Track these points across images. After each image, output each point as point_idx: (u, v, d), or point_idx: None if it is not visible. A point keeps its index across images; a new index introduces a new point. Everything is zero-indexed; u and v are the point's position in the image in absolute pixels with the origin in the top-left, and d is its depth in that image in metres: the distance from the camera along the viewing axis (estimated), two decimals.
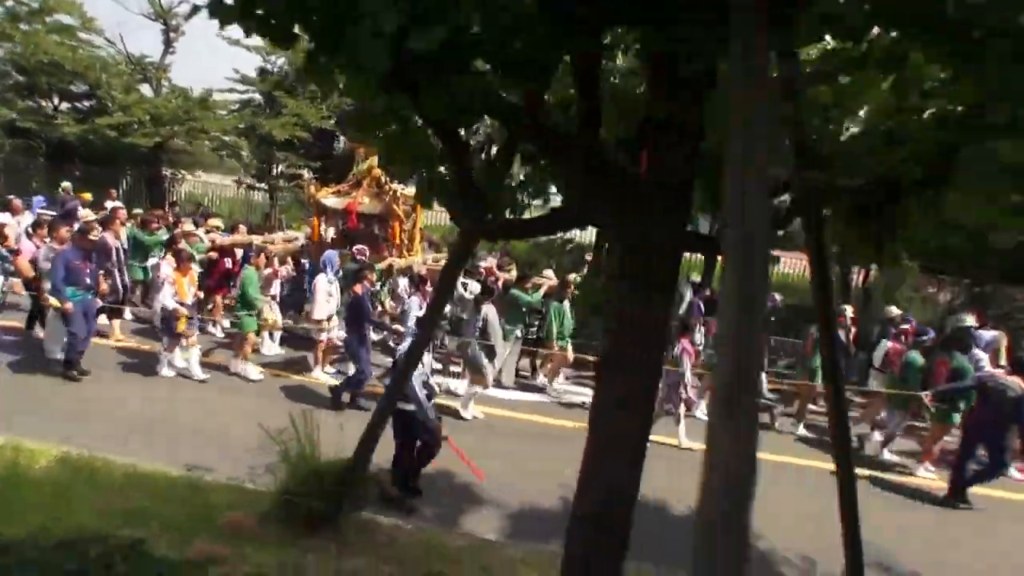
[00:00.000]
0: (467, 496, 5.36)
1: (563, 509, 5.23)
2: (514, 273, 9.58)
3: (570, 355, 8.36)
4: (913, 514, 6.18)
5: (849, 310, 9.21)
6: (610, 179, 2.53)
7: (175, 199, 18.27)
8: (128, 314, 9.35)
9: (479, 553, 4.32)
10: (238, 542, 3.83)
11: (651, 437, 7.03)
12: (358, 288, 7.27)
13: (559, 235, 16.33)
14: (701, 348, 8.16)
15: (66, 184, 13.20)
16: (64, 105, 18.41)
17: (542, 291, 8.50)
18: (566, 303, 8.30)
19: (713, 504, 1.46)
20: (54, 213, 9.77)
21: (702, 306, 9.77)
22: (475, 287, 8.59)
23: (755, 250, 1.53)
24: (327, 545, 3.98)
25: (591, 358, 9.46)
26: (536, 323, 8.74)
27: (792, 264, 18.82)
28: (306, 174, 17.00)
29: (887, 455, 7.43)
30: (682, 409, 6.99)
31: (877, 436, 7.72)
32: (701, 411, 8.10)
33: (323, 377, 7.87)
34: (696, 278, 11.21)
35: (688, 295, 10.38)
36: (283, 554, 3.79)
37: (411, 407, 4.88)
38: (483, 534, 4.79)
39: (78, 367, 7.05)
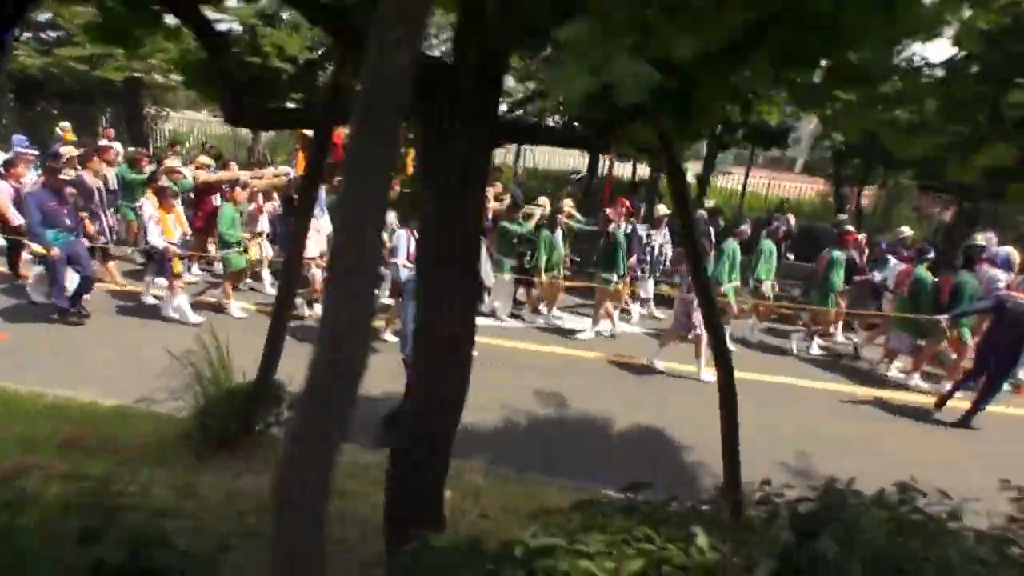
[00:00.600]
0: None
1: (500, 428, 5.37)
2: (507, 202, 9.33)
3: (561, 285, 8.20)
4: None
5: (851, 229, 9.12)
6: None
7: (175, 139, 17.58)
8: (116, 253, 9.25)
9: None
10: (132, 464, 3.66)
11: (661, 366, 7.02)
12: None
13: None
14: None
15: (65, 124, 12.65)
16: (26, 35, 17.33)
17: (533, 221, 8.29)
18: (557, 232, 8.11)
19: (320, 376, 1.43)
20: (36, 153, 9.39)
21: (712, 233, 9.57)
22: None
23: (388, 121, 1.40)
24: (236, 464, 3.96)
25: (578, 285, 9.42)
26: (529, 253, 8.57)
27: (796, 188, 18.49)
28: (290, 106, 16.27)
29: (916, 379, 7.38)
30: (704, 337, 6.91)
31: (898, 365, 7.71)
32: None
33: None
34: (711, 203, 10.97)
35: (701, 221, 10.20)
36: (164, 474, 3.61)
37: None
38: None
39: (80, 309, 6.99)
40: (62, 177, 7.03)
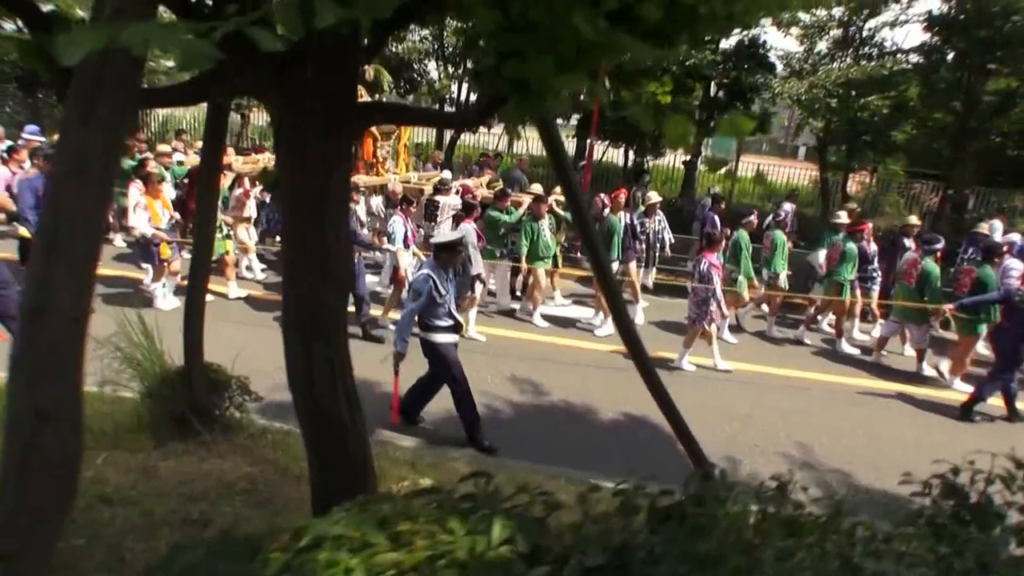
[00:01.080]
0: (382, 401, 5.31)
1: (486, 417, 5.11)
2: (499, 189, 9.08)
3: (542, 277, 7.78)
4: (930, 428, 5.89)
5: (844, 216, 8.66)
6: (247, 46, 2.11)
7: (179, 127, 17.18)
8: (119, 241, 9.13)
9: None
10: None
11: (690, 361, 6.81)
12: None
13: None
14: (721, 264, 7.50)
15: None
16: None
17: (522, 210, 7.95)
18: (543, 222, 7.71)
19: (20, 351, 1.40)
20: (42, 139, 9.22)
21: (717, 219, 9.25)
22: (453, 201, 8.18)
23: (91, 104, 1.31)
24: (199, 449, 3.82)
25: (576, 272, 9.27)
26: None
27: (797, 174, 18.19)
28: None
29: (927, 370, 7.13)
30: (714, 328, 6.72)
31: (883, 355, 7.40)
32: (727, 335, 7.75)
33: None
34: (717, 189, 10.58)
35: (707, 207, 9.78)
36: (127, 457, 3.60)
37: (448, 338, 4.69)
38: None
39: None
40: None
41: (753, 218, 8.23)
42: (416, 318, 4.73)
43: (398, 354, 4.68)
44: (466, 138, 17.12)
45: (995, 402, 6.18)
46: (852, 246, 7.63)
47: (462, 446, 4.70)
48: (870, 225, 8.33)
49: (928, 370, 7.14)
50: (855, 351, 7.74)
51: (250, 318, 7.15)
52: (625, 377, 6.34)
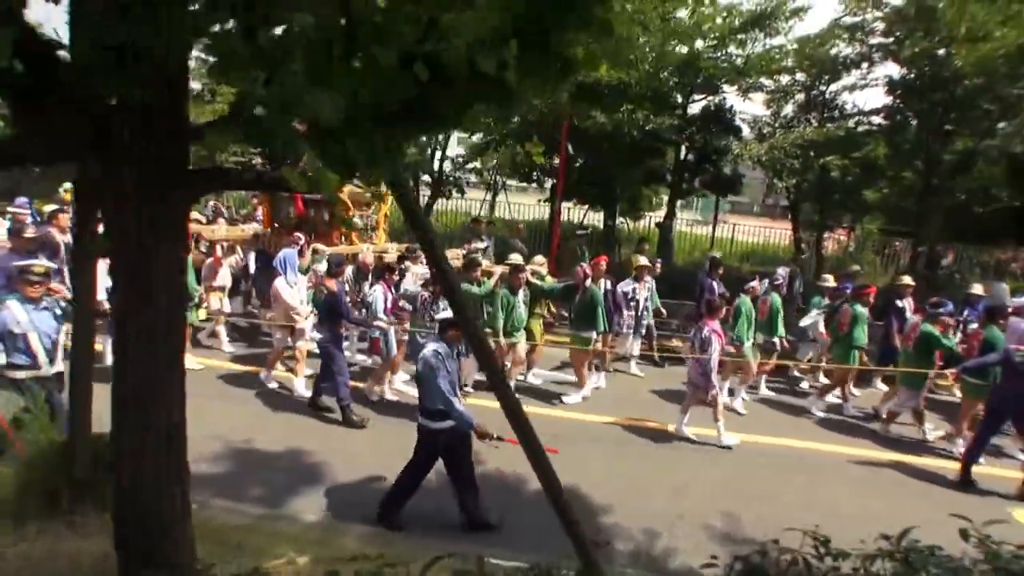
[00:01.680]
0: (298, 476, 5.10)
1: (373, 487, 4.90)
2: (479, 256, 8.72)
3: (520, 352, 7.40)
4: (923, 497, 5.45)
5: (831, 279, 8.63)
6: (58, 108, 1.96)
7: None
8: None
9: (250, 530, 3.84)
10: None
11: (688, 432, 6.46)
12: (332, 284, 6.39)
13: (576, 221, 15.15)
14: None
15: (67, 185, 12.45)
16: None
17: (493, 280, 7.50)
18: (520, 293, 7.31)
19: None
20: (27, 211, 9.11)
21: (715, 285, 8.92)
22: (421, 269, 7.95)
23: None
24: (59, 528, 3.48)
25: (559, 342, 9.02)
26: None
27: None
28: (256, 160, 15.73)
29: (891, 429, 6.88)
30: (721, 398, 6.38)
31: (929, 427, 6.94)
32: (738, 402, 7.48)
33: (272, 385, 7.09)
34: (717, 254, 10.25)
35: (705, 272, 9.37)
36: None
37: (445, 424, 4.34)
38: (276, 510, 4.42)
39: None
40: (27, 236, 6.75)
41: (755, 283, 8.04)
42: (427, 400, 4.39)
43: (479, 431, 4.37)
44: (447, 203, 17.06)
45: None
46: (862, 309, 7.45)
47: (370, 523, 4.43)
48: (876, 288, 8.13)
49: (892, 431, 6.91)
50: (860, 413, 7.47)
51: (195, 389, 6.75)
52: (583, 446, 6.03)
